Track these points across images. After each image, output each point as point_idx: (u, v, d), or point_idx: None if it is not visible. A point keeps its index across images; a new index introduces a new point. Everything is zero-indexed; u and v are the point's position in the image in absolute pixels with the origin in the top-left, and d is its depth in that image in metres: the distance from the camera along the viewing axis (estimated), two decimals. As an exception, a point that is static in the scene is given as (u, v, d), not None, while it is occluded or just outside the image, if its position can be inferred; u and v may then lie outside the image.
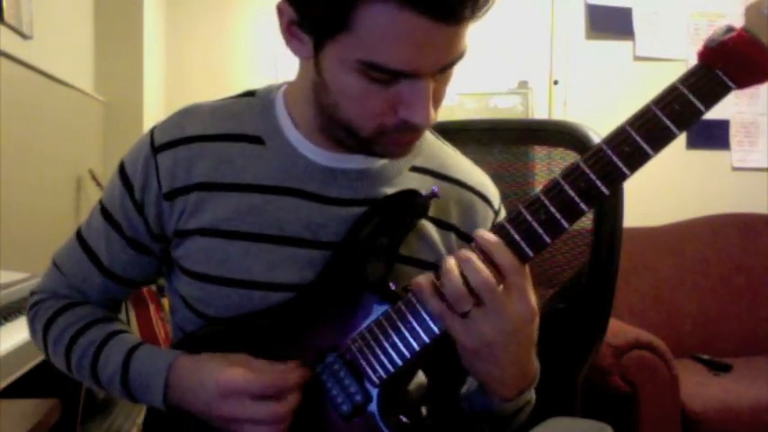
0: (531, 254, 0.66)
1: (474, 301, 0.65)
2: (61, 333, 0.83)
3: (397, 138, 0.72)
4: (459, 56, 0.68)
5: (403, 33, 0.63)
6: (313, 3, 0.66)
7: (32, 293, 0.90)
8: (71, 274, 0.87)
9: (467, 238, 0.84)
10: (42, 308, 0.87)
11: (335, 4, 0.63)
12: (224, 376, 0.71)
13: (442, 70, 0.68)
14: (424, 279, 0.68)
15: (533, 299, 0.67)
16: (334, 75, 0.69)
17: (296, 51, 0.73)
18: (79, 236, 0.87)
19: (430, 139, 0.88)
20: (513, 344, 0.67)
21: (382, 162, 0.81)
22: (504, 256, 0.65)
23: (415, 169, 0.84)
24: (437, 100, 0.71)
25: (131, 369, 0.79)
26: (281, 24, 0.71)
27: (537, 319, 0.68)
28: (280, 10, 0.70)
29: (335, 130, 0.74)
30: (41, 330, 0.86)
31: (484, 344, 0.66)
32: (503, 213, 0.90)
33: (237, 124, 0.81)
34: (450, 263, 0.66)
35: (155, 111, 2.80)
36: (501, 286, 0.65)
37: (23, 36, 2.03)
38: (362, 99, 0.69)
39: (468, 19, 0.65)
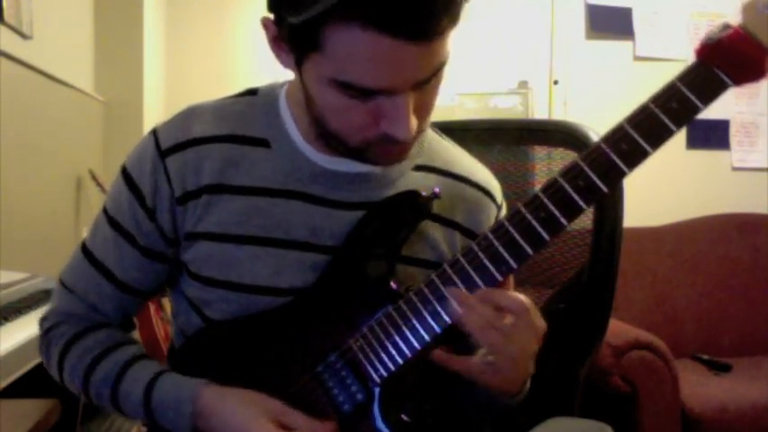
0: (530, 252, 0.67)
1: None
2: (76, 364, 0.81)
3: (384, 149, 0.72)
4: (438, 68, 0.67)
5: (370, 53, 0.62)
6: (285, 23, 0.66)
7: (43, 319, 0.86)
8: (82, 292, 0.83)
9: (471, 235, 0.84)
10: (56, 335, 0.83)
11: (304, 26, 0.63)
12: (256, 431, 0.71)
13: (422, 84, 0.67)
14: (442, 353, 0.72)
15: (542, 323, 0.71)
16: (315, 90, 0.69)
17: (283, 64, 0.73)
18: (85, 250, 0.84)
19: (432, 136, 0.88)
20: (523, 364, 0.72)
21: None
22: (510, 299, 0.69)
23: (418, 168, 0.84)
24: (423, 110, 0.71)
25: (153, 402, 0.76)
26: (267, 38, 0.72)
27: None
28: (264, 25, 0.71)
29: (327, 138, 0.75)
30: (56, 362, 0.83)
31: (506, 381, 0.73)
32: (504, 208, 0.90)
33: (242, 125, 0.81)
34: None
35: (155, 111, 2.80)
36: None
37: (23, 36, 2.03)
38: (344, 113, 0.69)
39: (437, 36, 0.63)
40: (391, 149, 0.73)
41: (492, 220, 0.87)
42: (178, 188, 0.78)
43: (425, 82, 0.67)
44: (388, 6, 0.60)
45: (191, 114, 0.82)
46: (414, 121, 0.68)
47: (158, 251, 0.81)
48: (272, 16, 0.69)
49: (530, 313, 0.69)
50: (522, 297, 0.69)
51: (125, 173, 0.81)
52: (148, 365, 0.80)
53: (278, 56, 0.72)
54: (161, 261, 0.82)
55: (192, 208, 0.78)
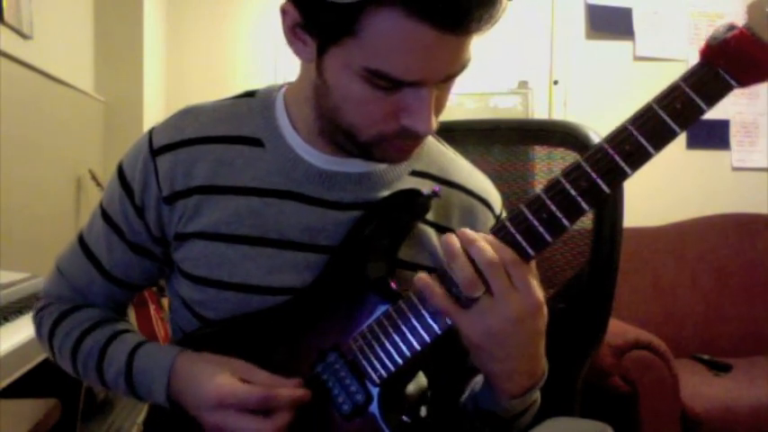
0: (532, 253, 0.66)
1: (483, 288, 0.64)
2: (66, 336, 0.83)
3: (396, 144, 0.72)
4: (464, 65, 0.68)
5: (410, 42, 0.62)
6: (320, 6, 0.64)
7: (37, 299, 0.90)
8: (74, 279, 0.86)
9: None
10: (47, 312, 0.87)
11: (344, 9, 0.62)
12: (216, 385, 0.71)
13: (447, 80, 0.68)
14: (427, 275, 0.67)
15: (539, 291, 0.66)
16: (337, 79, 0.68)
17: (298, 53, 0.72)
18: (81, 240, 0.87)
19: (430, 142, 0.88)
20: (519, 335, 0.66)
21: (382, 166, 0.80)
22: (503, 251, 0.64)
23: (415, 173, 0.84)
24: (439, 108, 0.71)
25: (135, 368, 0.79)
26: (285, 25, 0.70)
27: (544, 312, 0.67)
28: (284, 11, 0.69)
29: (335, 133, 0.74)
30: (47, 335, 0.86)
31: (490, 336, 0.65)
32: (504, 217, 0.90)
33: (237, 126, 0.81)
34: (457, 246, 0.64)
35: (155, 111, 2.80)
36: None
37: (23, 36, 2.03)
38: (364, 105, 0.68)
39: (477, 30, 0.64)
40: (403, 145, 0.73)
41: (488, 230, 0.86)
42: (166, 188, 0.79)
43: (451, 78, 0.68)
44: None
45: (185, 115, 0.83)
46: (434, 117, 0.69)
47: (146, 248, 0.83)
48: (291, 3, 0.68)
49: (522, 269, 0.64)
50: (493, 256, 0.63)
51: (120, 170, 0.83)
52: (132, 337, 0.82)
53: (292, 44, 0.71)
54: (149, 258, 0.84)
55: (180, 208, 0.79)
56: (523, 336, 0.66)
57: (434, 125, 0.69)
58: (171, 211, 0.79)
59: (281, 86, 0.84)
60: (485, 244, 0.64)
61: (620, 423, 1.06)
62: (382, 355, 0.72)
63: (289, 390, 0.72)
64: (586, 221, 1.03)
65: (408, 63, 0.64)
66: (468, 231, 0.66)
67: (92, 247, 0.85)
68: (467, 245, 0.65)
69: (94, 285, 0.85)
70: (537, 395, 0.77)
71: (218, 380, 0.72)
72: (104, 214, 0.84)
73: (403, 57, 0.63)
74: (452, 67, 0.67)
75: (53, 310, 0.86)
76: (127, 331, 0.84)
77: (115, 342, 0.81)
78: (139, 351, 0.80)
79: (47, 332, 0.86)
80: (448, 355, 0.78)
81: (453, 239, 0.65)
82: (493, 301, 0.64)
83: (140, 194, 0.80)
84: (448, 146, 0.90)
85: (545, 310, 0.67)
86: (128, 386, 0.80)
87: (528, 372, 0.71)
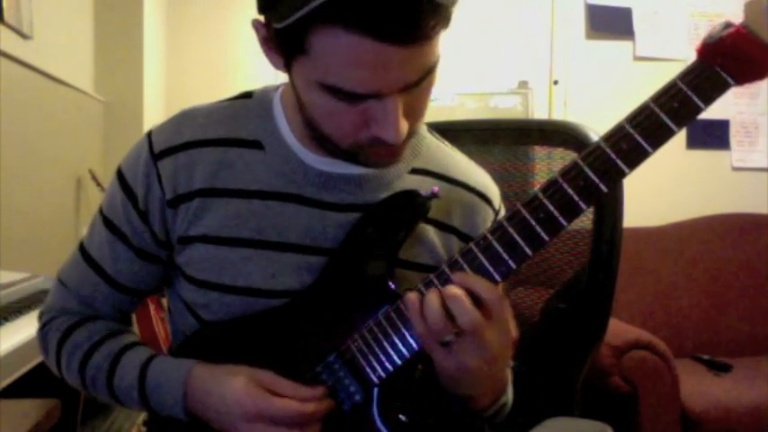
0: (529, 253, 0.66)
1: (455, 331, 0.66)
2: (73, 352, 0.82)
3: (377, 151, 0.72)
4: (427, 71, 0.66)
5: (357, 57, 0.61)
6: (272, 27, 0.66)
7: (41, 314, 0.88)
8: (78, 290, 0.85)
9: (467, 239, 0.84)
10: (53, 327, 0.85)
11: (290, 29, 0.63)
12: (250, 400, 0.71)
13: (410, 87, 0.66)
14: (415, 297, 0.68)
15: (513, 326, 0.69)
16: (305, 93, 0.69)
17: (275, 65, 0.73)
18: (82, 249, 0.85)
19: (429, 139, 0.88)
20: (491, 370, 0.69)
21: None
22: (488, 291, 0.66)
23: (414, 171, 0.84)
24: (414, 112, 0.70)
25: (148, 383, 0.78)
26: (258, 40, 0.72)
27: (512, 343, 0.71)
28: (255, 27, 0.71)
29: (321, 140, 0.74)
30: (54, 351, 0.84)
31: (464, 371, 0.68)
32: (503, 212, 0.90)
33: (236, 128, 0.81)
34: (433, 298, 0.66)
35: (155, 111, 2.80)
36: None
37: (23, 36, 2.03)
38: (333, 116, 0.68)
39: (424, 39, 0.62)
40: (383, 152, 0.72)
41: (488, 224, 0.86)
42: (169, 191, 0.78)
43: (414, 85, 0.66)
44: (373, 9, 0.59)
45: (184, 118, 0.82)
46: (404, 124, 0.67)
47: (151, 253, 0.82)
48: (262, 18, 0.70)
49: (482, 333, 0.65)
50: (476, 317, 0.65)
51: (120, 175, 0.82)
52: (142, 351, 0.81)
53: (268, 57, 0.72)
54: (155, 262, 0.83)
55: (183, 211, 0.78)
56: (495, 370, 0.70)
57: (404, 133, 0.68)
58: (174, 214, 0.79)
59: (278, 87, 0.84)
60: (466, 302, 0.65)
61: (620, 423, 1.06)
62: (381, 355, 0.72)
63: (321, 404, 0.72)
64: (586, 221, 1.03)
65: (360, 77, 0.63)
66: (452, 287, 0.66)
67: (95, 256, 0.84)
68: (449, 300, 0.65)
69: (100, 294, 0.84)
70: (506, 397, 0.81)
71: (249, 391, 0.71)
72: (106, 221, 0.83)
73: (353, 71, 0.63)
74: (409, 76, 0.65)
75: (59, 324, 0.85)
76: (136, 344, 0.83)
77: (125, 356, 0.80)
78: (151, 365, 0.79)
79: (53, 349, 0.84)
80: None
81: (431, 294, 0.66)
82: (469, 343, 0.66)
83: (144, 199, 0.79)
84: (445, 141, 0.90)
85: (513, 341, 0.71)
86: (141, 401, 0.79)
87: (493, 390, 0.76)
